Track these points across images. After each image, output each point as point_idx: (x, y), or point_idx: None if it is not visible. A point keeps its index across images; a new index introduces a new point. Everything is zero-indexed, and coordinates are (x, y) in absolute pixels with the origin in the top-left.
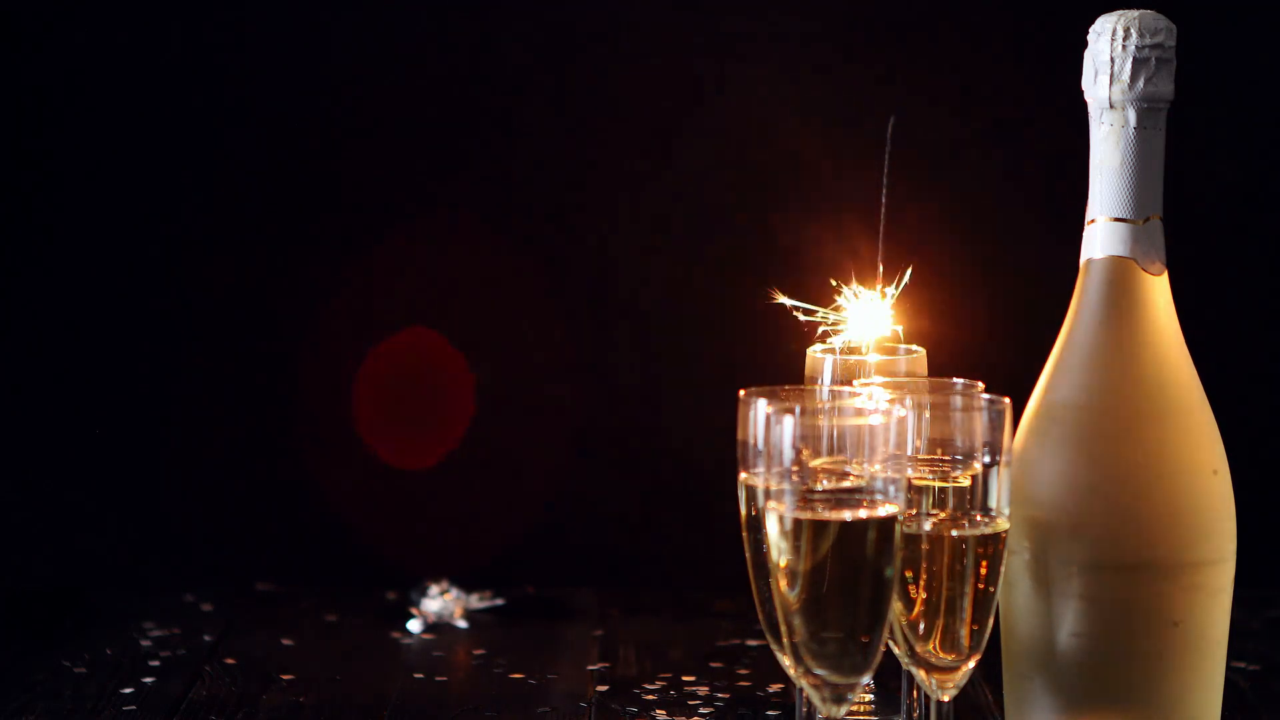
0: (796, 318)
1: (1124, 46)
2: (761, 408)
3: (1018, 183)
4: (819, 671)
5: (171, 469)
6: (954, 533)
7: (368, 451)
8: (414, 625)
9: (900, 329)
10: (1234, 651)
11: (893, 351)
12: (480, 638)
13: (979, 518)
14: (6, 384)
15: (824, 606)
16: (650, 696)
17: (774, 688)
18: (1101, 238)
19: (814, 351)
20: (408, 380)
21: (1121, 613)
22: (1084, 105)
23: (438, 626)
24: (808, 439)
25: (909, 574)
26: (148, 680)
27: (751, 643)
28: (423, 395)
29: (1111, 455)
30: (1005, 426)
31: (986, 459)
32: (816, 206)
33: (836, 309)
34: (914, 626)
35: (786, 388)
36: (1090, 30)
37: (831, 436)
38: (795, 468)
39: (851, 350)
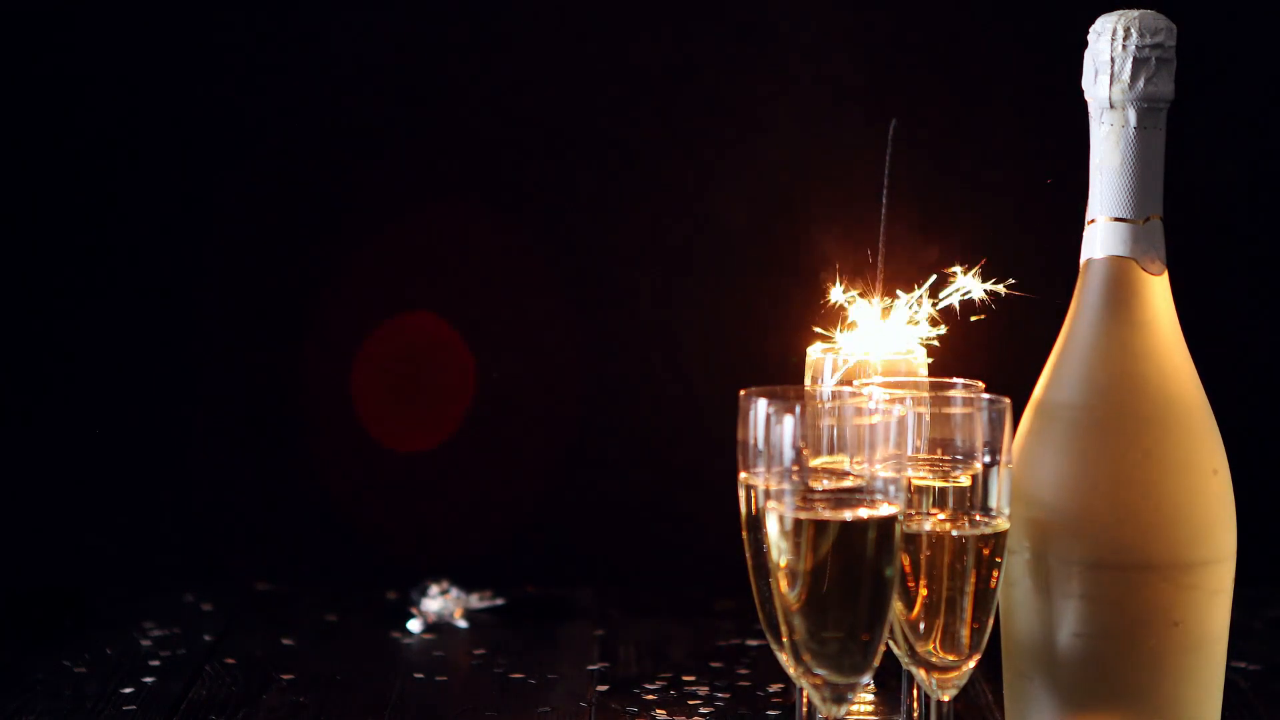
0: (803, 315)
1: (1124, 46)
2: (761, 408)
3: (1018, 183)
4: (819, 671)
5: (171, 468)
6: (954, 533)
7: (369, 451)
8: (414, 625)
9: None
10: (1234, 651)
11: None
12: (480, 638)
13: (979, 518)
14: (6, 384)
15: (824, 606)
16: (650, 696)
17: (774, 688)
18: (1101, 238)
19: (814, 351)
20: (408, 377)
21: (1121, 613)
22: (1084, 105)
23: (438, 626)
24: (808, 439)
25: (909, 574)
26: (148, 680)
27: (751, 643)
28: (424, 391)
29: (1111, 455)
30: (1005, 426)
31: (986, 459)
32: (818, 207)
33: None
34: (914, 626)
35: (786, 387)
36: (1090, 30)
37: (831, 436)
38: (795, 468)
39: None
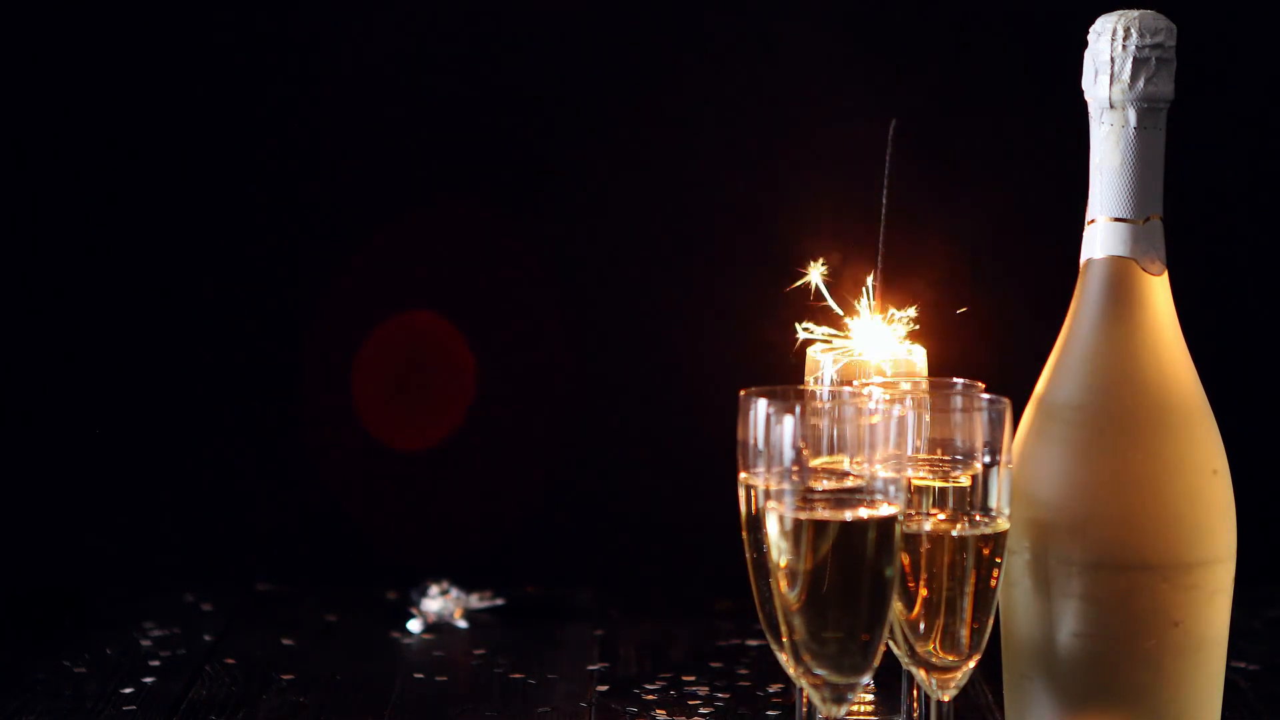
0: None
1: (1124, 46)
2: (761, 407)
3: (1018, 183)
4: (819, 671)
5: (171, 468)
6: (954, 533)
7: (369, 451)
8: (414, 625)
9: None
10: (1234, 651)
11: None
12: (480, 638)
13: (979, 518)
14: (6, 384)
15: (824, 606)
16: (650, 696)
17: (774, 688)
18: (1101, 238)
19: (814, 351)
20: (408, 376)
21: (1121, 613)
22: (1084, 105)
23: (438, 626)
24: (808, 439)
25: (909, 574)
26: (148, 680)
27: (751, 643)
28: (424, 390)
29: (1111, 455)
30: (1005, 426)
31: (986, 459)
32: (820, 207)
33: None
34: (914, 626)
35: (786, 387)
36: (1090, 30)
37: (831, 436)
38: (795, 468)
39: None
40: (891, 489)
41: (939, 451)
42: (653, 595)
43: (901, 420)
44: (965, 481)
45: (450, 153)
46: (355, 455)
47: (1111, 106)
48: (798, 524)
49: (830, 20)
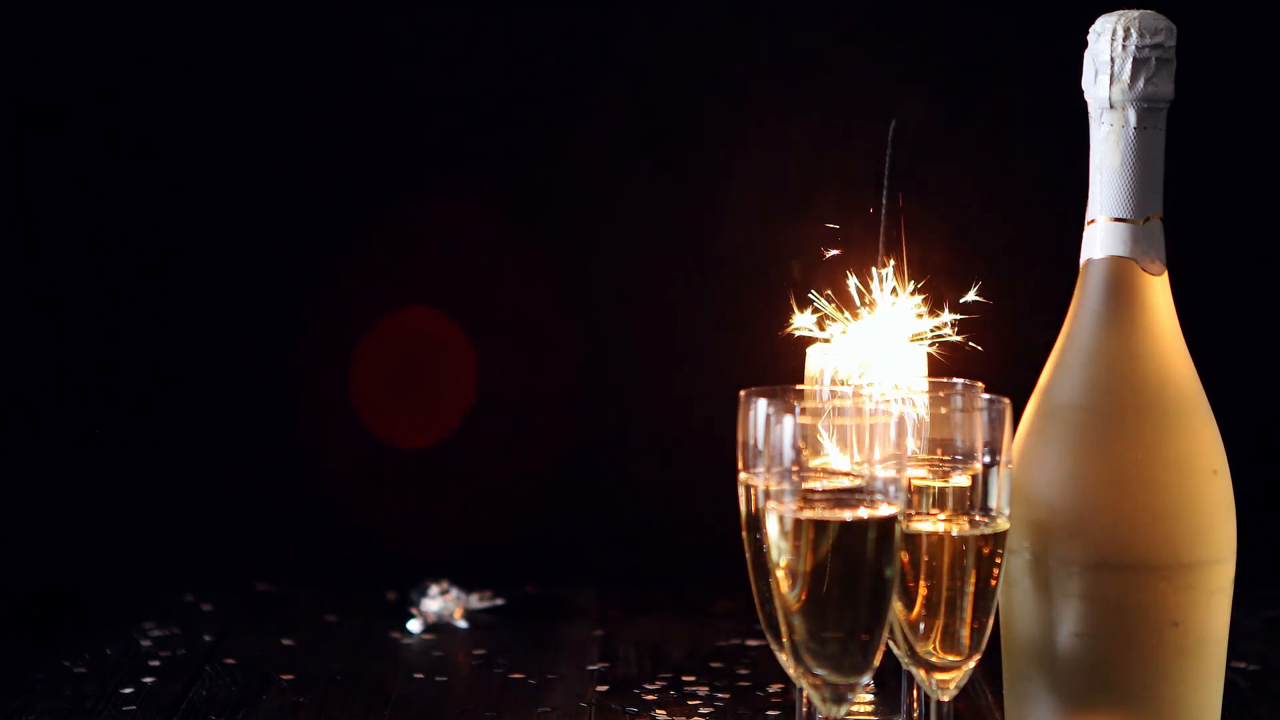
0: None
1: (1124, 46)
2: (761, 408)
3: (1018, 183)
4: (819, 671)
5: (171, 468)
6: (954, 533)
7: (369, 450)
8: (414, 625)
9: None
10: (1234, 651)
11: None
12: (480, 638)
13: (979, 518)
14: (6, 384)
15: (824, 606)
16: (650, 696)
17: (774, 688)
18: (1101, 238)
19: (814, 352)
20: (409, 376)
21: (1121, 613)
22: (1084, 105)
23: (438, 626)
24: (808, 439)
25: (909, 574)
26: (148, 680)
27: (751, 643)
28: (424, 389)
29: (1111, 455)
30: (1005, 426)
31: (986, 459)
32: (820, 206)
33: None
34: (914, 626)
35: (786, 387)
36: (1090, 30)
37: (831, 436)
38: (795, 468)
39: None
40: (891, 489)
41: (939, 451)
42: (653, 595)
43: (901, 420)
44: (965, 481)
45: (450, 153)
46: (355, 454)
47: (1111, 106)
48: (798, 524)
49: (831, 20)
